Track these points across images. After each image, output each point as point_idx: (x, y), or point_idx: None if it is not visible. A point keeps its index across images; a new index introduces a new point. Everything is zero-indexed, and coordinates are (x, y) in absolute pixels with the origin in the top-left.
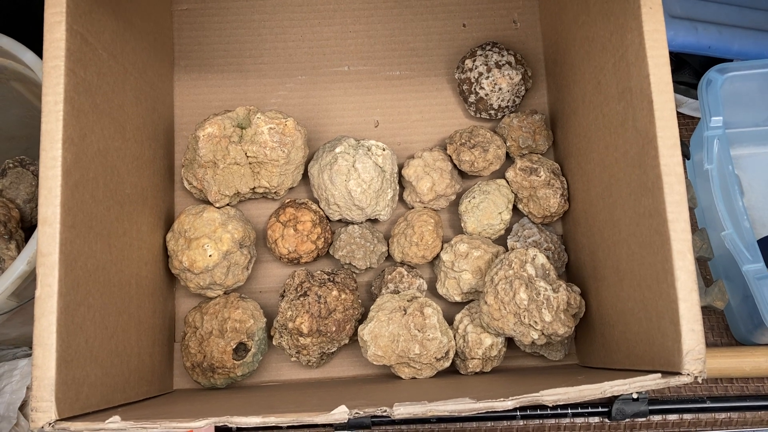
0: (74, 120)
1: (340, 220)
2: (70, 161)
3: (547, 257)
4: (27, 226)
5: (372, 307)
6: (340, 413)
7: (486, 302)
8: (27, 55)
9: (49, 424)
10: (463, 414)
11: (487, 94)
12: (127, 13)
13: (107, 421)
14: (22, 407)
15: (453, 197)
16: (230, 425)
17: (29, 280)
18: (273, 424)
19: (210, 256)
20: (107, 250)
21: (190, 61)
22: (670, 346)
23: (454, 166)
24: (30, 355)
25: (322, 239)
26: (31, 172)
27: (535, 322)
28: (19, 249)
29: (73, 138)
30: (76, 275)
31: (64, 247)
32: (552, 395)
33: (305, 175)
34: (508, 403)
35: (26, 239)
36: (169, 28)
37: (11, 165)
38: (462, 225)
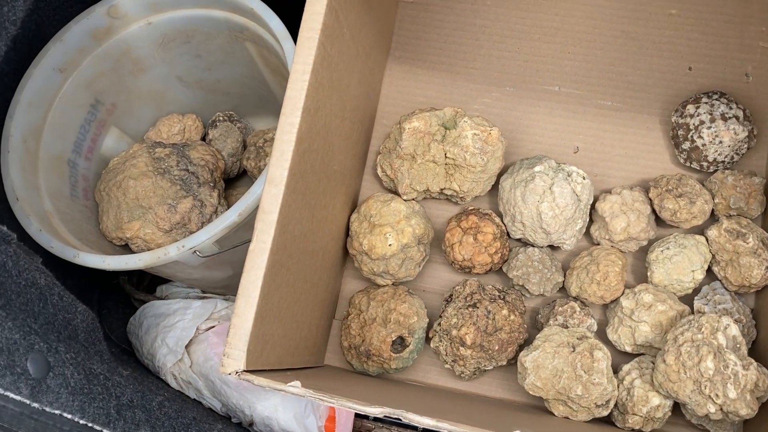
0: (314, 92)
1: (520, 240)
2: (303, 130)
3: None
4: (225, 178)
5: (538, 335)
6: None
7: (664, 361)
8: (273, 21)
9: (237, 372)
10: None
11: (704, 145)
12: (375, 7)
13: (288, 384)
14: (188, 345)
15: (644, 243)
16: (403, 420)
17: (234, 230)
18: (446, 431)
19: (390, 245)
20: (311, 219)
21: (404, 53)
22: None
23: (653, 211)
24: (202, 298)
25: (499, 255)
26: (237, 128)
27: (717, 395)
28: (220, 197)
29: (310, 108)
30: (285, 237)
31: (284, 209)
32: None
33: (494, 187)
34: None
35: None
36: (392, 18)
37: (221, 118)
38: (648, 274)
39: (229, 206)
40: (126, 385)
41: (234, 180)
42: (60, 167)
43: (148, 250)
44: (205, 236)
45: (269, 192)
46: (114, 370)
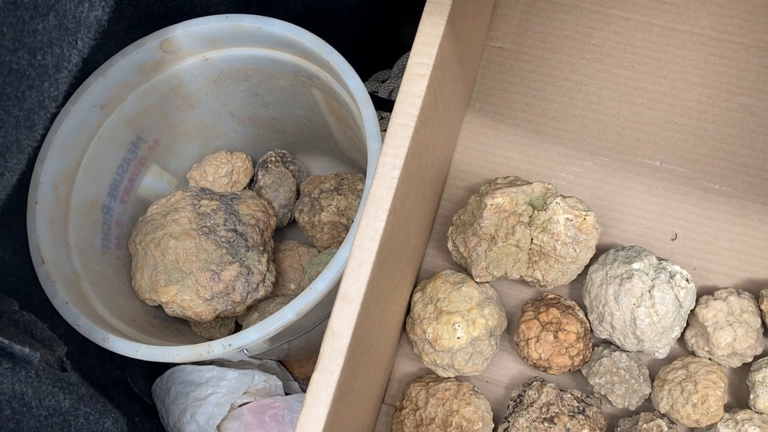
0: (403, 187)
1: (604, 340)
2: (387, 234)
3: None
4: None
5: None
6: None
7: None
8: (353, 81)
9: None
10: None
11: None
12: (461, 54)
13: None
14: (220, 423)
15: (749, 360)
16: None
17: (288, 326)
18: None
19: (458, 338)
20: (379, 324)
21: (485, 106)
22: None
23: (763, 323)
24: (238, 366)
25: (581, 357)
26: (291, 172)
27: None
28: (269, 263)
29: (396, 208)
30: (354, 360)
31: (357, 330)
32: None
33: (579, 274)
34: None
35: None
36: (476, 64)
37: (273, 159)
38: (751, 397)
39: (276, 267)
40: None
41: (283, 229)
42: (92, 215)
43: (184, 316)
44: (256, 336)
45: (342, 311)
46: None
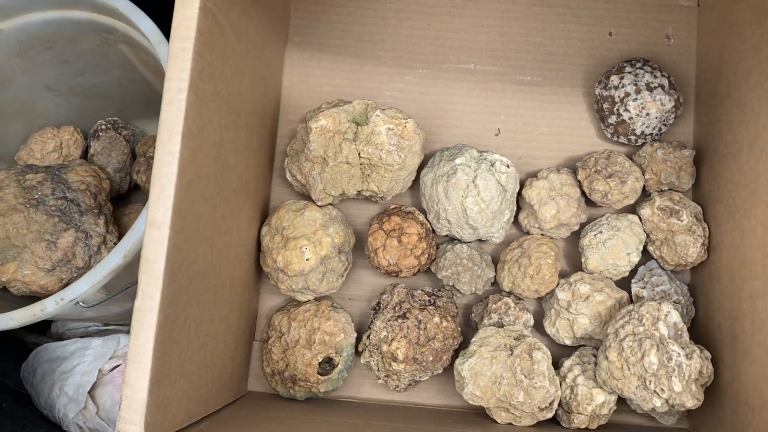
0: (195, 110)
1: (446, 236)
2: (187, 157)
3: (678, 312)
4: (114, 196)
5: (473, 339)
6: None
7: (607, 358)
8: (145, 23)
9: None
10: None
11: (631, 118)
12: None
13: None
14: (91, 390)
15: (576, 228)
16: None
17: (120, 272)
18: None
19: (307, 259)
20: (209, 253)
21: (304, 38)
22: None
23: (583, 193)
24: (102, 332)
25: (426, 255)
26: (123, 137)
27: (662, 390)
28: (107, 224)
29: (192, 131)
30: (178, 284)
31: (171, 254)
32: None
33: (415, 180)
34: None
35: (113, 211)
36: (287, 1)
37: (104, 127)
38: (582, 260)
39: (121, 230)
40: None
41: (126, 195)
42: None
43: (30, 292)
44: (87, 285)
45: (152, 237)
46: None
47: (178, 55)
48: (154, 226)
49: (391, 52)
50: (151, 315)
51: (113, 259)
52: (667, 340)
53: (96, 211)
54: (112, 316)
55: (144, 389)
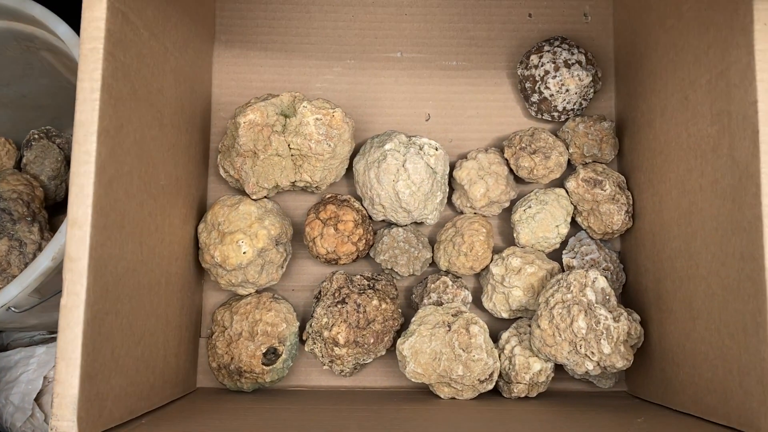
0: (111, 109)
1: (383, 221)
2: (104, 156)
3: (606, 278)
4: (51, 204)
5: (413, 319)
6: None
7: (539, 326)
8: (60, 27)
9: None
10: None
11: (552, 95)
12: None
13: None
14: (38, 398)
15: (507, 204)
16: None
17: (52, 275)
18: None
19: (244, 253)
20: (138, 250)
21: (231, 36)
22: (755, 409)
23: (511, 170)
24: (48, 340)
25: (364, 241)
26: (57, 145)
27: (592, 353)
28: (42, 231)
29: (108, 130)
30: (105, 281)
31: (94, 251)
32: None
33: (349, 169)
34: None
35: (50, 219)
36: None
37: (36, 136)
38: (514, 235)
39: None
40: None
41: (64, 203)
42: None
43: None
44: (17, 290)
45: (73, 236)
46: None
47: (88, 56)
48: (75, 224)
49: (318, 45)
50: (78, 312)
51: (42, 262)
52: (595, 305)
53: (30, 219)
54: (55, 322)
55: (75, 385)
